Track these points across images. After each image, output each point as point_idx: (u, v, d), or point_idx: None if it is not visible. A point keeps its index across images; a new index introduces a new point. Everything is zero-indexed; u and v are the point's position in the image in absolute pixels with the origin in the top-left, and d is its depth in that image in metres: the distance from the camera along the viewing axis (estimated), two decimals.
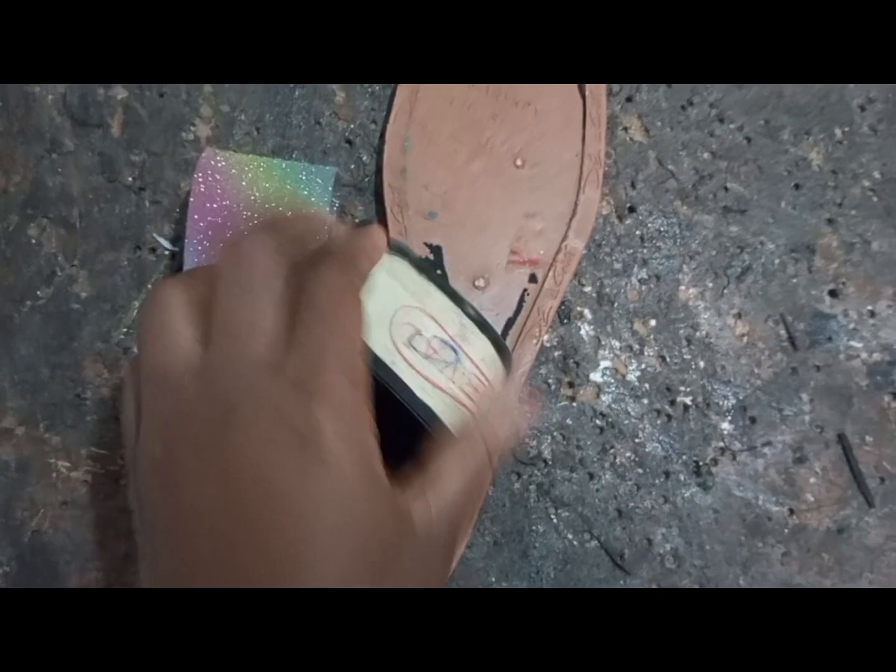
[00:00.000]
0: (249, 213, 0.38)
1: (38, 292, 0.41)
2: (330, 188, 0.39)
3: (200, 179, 0.38)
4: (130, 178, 0.42)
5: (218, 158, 0.39)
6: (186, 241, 0.38)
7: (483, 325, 0.28)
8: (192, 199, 0.38)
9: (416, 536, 0.23)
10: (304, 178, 0.39)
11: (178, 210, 0.42)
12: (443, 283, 0.28)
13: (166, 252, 0.41)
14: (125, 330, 0.40)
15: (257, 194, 0.38)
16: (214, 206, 0.38)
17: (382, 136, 0.42)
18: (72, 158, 0.42)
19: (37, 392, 0.40)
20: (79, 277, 0.41)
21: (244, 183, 0.39)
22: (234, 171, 0.39)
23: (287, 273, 0.23)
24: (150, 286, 0.41)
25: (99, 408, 0.40)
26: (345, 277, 0.24)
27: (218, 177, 0.38)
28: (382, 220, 0.41)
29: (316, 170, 0.39)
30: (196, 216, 0.38)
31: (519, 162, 0.42)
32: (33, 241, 0.41)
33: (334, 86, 0.44)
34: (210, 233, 0.38)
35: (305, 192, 0.39)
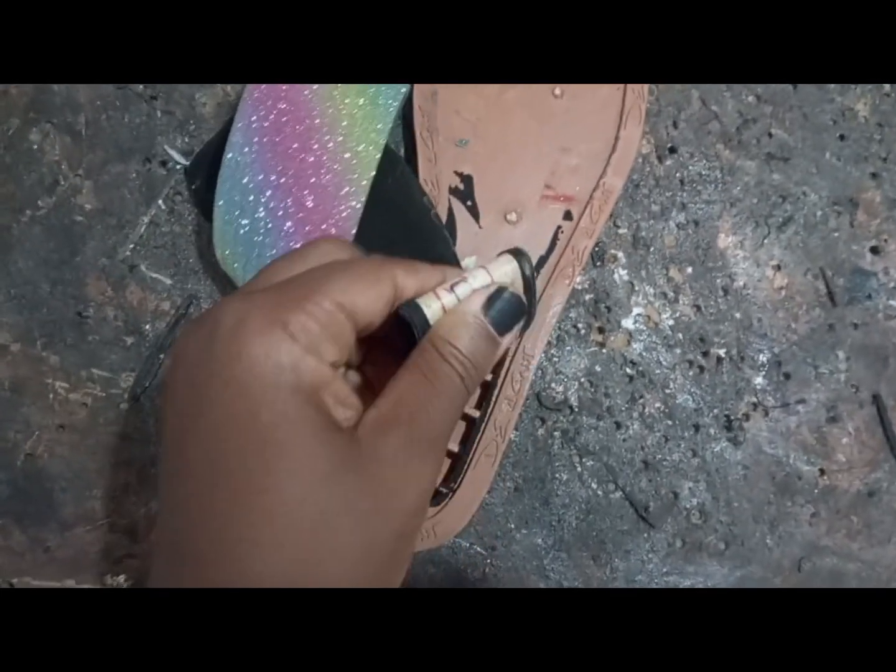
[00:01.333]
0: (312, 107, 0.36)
1: (39, 202, 0.38)
2: (398, 104, 0.37)
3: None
4: (142, 85, 0.39)
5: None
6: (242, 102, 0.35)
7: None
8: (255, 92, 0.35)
9: (359, 446, 0.21)
10: (370, 92, 0.37)
11: (191, 122, 0.39)
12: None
13: (178, 166, 0.39)
14: (132, 246, 0.38)
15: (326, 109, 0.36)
16: (282, 102, 0.36)
17: None
18: None
19: (35, 308, 0.37)
20: (83, 188, 0.38)
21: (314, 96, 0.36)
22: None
23: None
24: (160, 203, 0.38)
25: (101, 327, 0.37)
26: None
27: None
28: (412, 145, 0.39)
29: (387, 88, 0.37)
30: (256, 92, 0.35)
31: (558, 91, 0.40)
32: (35, 147, 0.38)
33: None
34: (271, 110, 0.35)
35: (376, 104, 0.36)
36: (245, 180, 0.34)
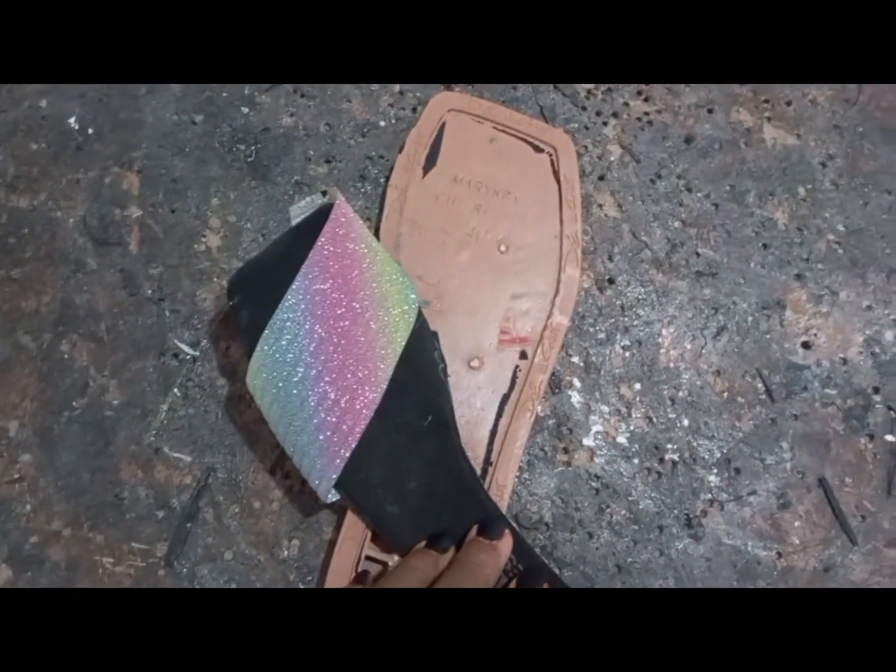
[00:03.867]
0: (364, 282, 0.40)
1: (74, 403, 0.45)
2: (415, 299, 0.41)
3: (336, 221, 0.40)
4: (150, 291, 0.46)
5: (350, 212, 0.41)
6: (304, 268, 0.39)
7: None
8: (324, 236, 0.40)
9: None
10: (397, 273, 0.41)
11: (195, 317, 0.46)
12: None
13: (188, 357, 0.45)
14: (154, 432, 0.44)
15: (371, 264, 0.41)
16: (340, 256, 0.40)
17: (377, 233, 0.46)
18: (96, 276, 0.46)
19: (80, 495, 0.44)
20: (110, 387, 0.45)
21: (365, 248, 0.41)
22: (360, 229, 0.41)
23: None
24: (175, 391, 0.45)
25: (136, 505, 0.43)
26: None
27: (350, 228, 0.41)
28: None
29: (402, 274, 0.41)
30: (321, 253, 0.39)
31: (503, 248, 0.46)
32: (66, 356, 0.45)
33: (333, 189, 0.48)
34: (329, 276, 0.39)
35: (400, 292, 0.41)
36: (294, 332, 0.38)
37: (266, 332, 0.38)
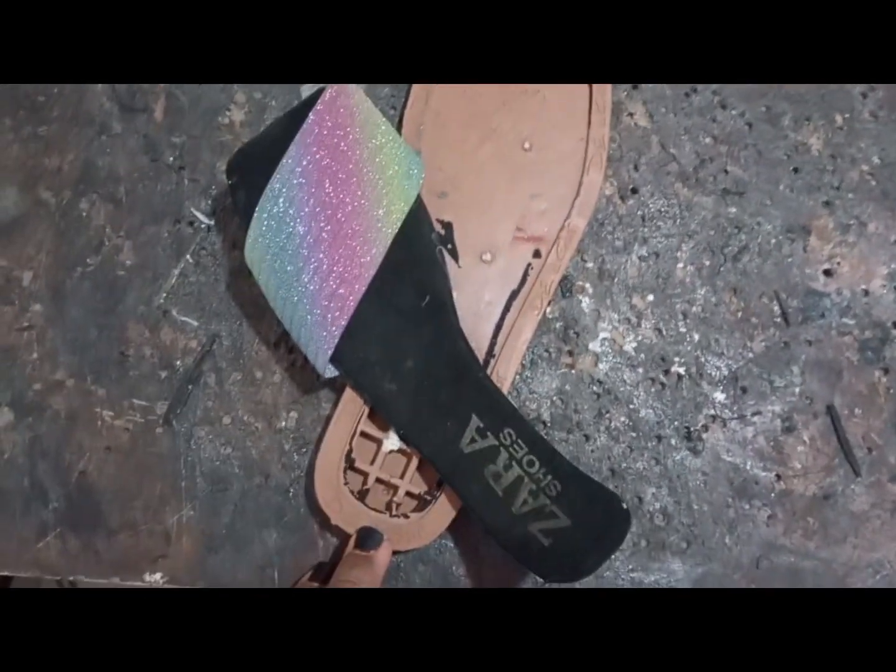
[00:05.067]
0: (362, 154, 0.40)
1: (88, 260, 0.45)
2: (418, 176, 0.41)
3: (333, 93, 0.39)
4: (171, 159, 0.46)
5: (351, 87, 0.40)
6: (297, 137, 0.39)
7: None
8: (319, 106, 0.39)
9: None
10: (401, 151, 0.41)
11: (213, 187, 0.46)
12: None
13: (203, 226, 0.45)
14: (164, 295, 0.45)
15: (370, 137, 0.40)
16: (336, 127, 0.39)
17: (401, 120, 0.45)
18: (119, 140, 0.47)
19: (86, 349, 0.44)
20: (124, 248, 0.45)
21: (364, 120, 0.40)
22: (360, 102, 0.40)
23: None
24: (188, 257, 0.45)
25: (140, 364, 0.44)
26: None
27: (348, 100, 0.40)
28: None
29: (409, 150, 0.41)
30: (317, 123, 0.39)
31: (527, 146, 0.45)
32: (84, 214, 0.46)
33: None
34: (323, 147, 0.39)
35: (402, 168, 0.40)
36: (288, 202, 0.38)
37: (260, 201, 0.38)
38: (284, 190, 0.38)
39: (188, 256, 0.45)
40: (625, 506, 0.37)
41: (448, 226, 0.44)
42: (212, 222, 0.45)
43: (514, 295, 0.44)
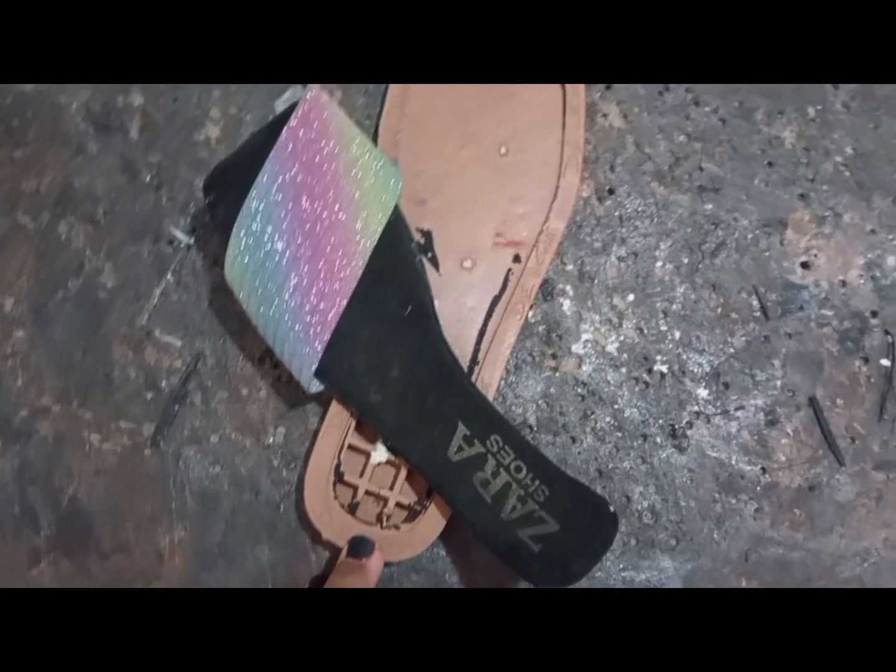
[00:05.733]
0: (338, 167, 0.40)
1: (69, 283, 0.45)
2: (395, 186, 0.41)
3: (307, 107, 0.39)
4: (149, 177, 0.46)
5: (325, 98, 0.40)
6: (272, 154, 0.39)
7: None
8: (293, 121, 0.39)
9: None
10: (378, 161, 0.41)
11: (192, 205, 0.46)
12: None
13: (182, 244, 0.45)
14: (147, 315, 0.45)
15: (346, 149, 0.40)
16: (311, 142, 0.39)
17: (377, 130, 0.45)
18: (96, 161, 0.47)
19: (70, 372, 0.44)
20: (104, 269, 0.45)
21: (339, 133, 0.40)
22: (335, 115, 0.40)
23: None
24: (169, 276, 0.45)
25: (125, 385, 0.44)
26: None
27: (323, 113, 0.40)
28: None
29: (386, 161, 0.41)
30: (292, 139, 0.39)
31: (504, 150, 0.45)
32: (63, 236, 0.46)
33: (332, 84, 0.47)
34: (299, 163, 0.39)
35: (379, 179, 0.41)
36: (266, 219, 0.38)
37: (238, 219, 0.38)
38: (261, 207, 0.38)
39: (169, 275, 0.45)
40: (612, 509, 0.37)
41: (428, 234, 0.44)
42: (191, 240, 0.45)
43: (496, 300, 0.44)
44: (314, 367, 0.39)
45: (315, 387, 0.40)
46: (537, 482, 0.38)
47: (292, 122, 0.39)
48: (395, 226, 0.41)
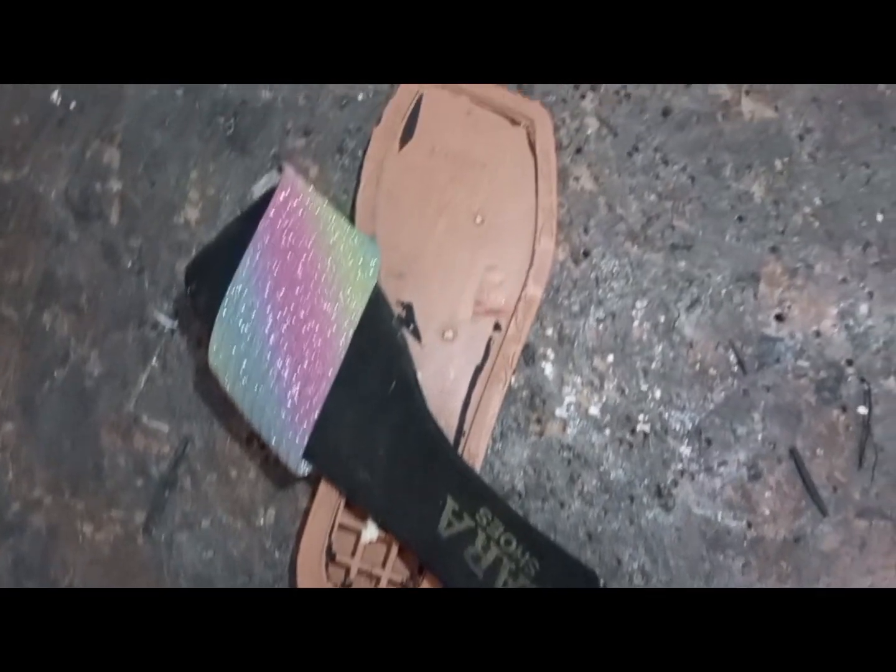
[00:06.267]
0: (316, 252, 0.41)
1: (56, 373, 0.46)
2: (375, 265, 0.42)
3: (284, 195, 0.41)
4: (130, 263, 0.47)
5: (300, 183, 0.41)
6: (252, 244, 0.40)
7: None
8: (270, 210, 0.40)
9: None
10: (355, 242, 0.42)
11: (174, 288, 0.46)
12: None
13: (166, 328, 0.46)
14: (134, 401, 0.45)
15: (323, 233, 0.41)
16: (288, 230, 0.40)
17: (353, 205, 0.46)
18: (77, 248, 0.47)
19: (61, 463, 0.45)
20: (90, 357, 0.46)
21: (315, 218, 0.41)
22: (311, 199, 0.42)
23: None
24: (154, 361, 0.46)
25: (116, 473, 0.44)
26: None
27: (298, 200, 0.41)
28: None
29: (363, 240, 0.42)
30: (270, 228, 0.40)
31: (478, 219, 0.46)
32: (48, 327, 0.46)
33: (308, 161, 0.48)
34: (277, 252, 0.40)
35: (357, 260, 0.42)
36: (248, 308, 0.39)
37: (221, 311, 0.39)
38: (242, 297, 0.39)
39: (154, 360, 0.46)
40: (602, 583, 0.38)
41: (408, 306, 0.45)
42: (175, 323, 0.46)
43: (478, 370, 0.44)
44: (302, 452, 0.39)
45: (303, 469, 0.40)
46: (528, 555, 0.39)
47: (269, 212, 0.40)
48: (376, 303, 0.42)
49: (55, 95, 0.50)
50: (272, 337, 0.39)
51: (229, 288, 0.39)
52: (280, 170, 0.43)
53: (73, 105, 0.49)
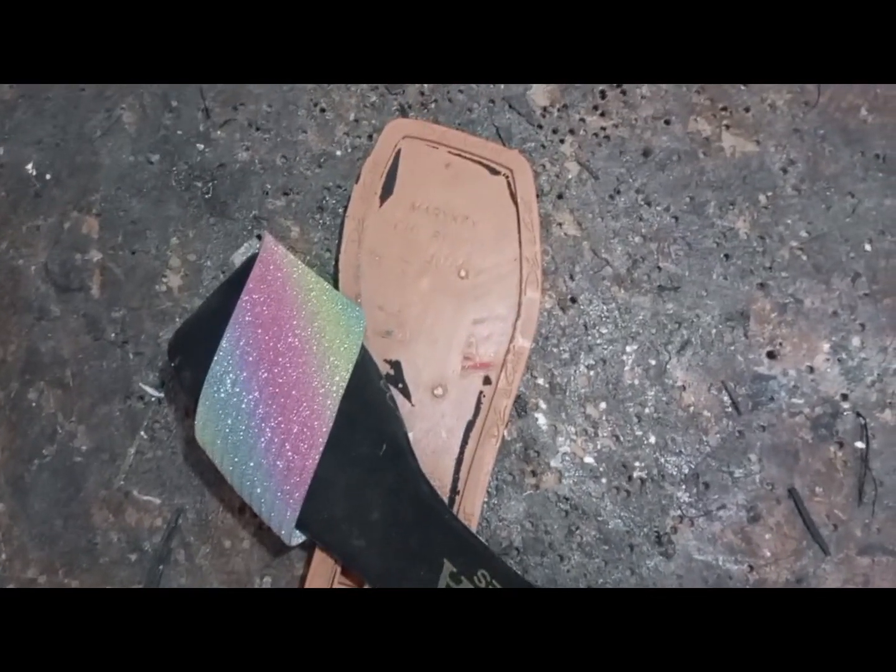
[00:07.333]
0: (299, 321, 0.40)
1: (44, 451, 0.45)
2: (359, 331, 0.41)
3: (262, 267, 0.40)
4: (114, 335, 0.46)
5: (279, 252, 0.41)
6: (233, 319, 0.39)
7: None
8: (250, 283, 0.40)
9: None
10: (339, 308, 0.41)
11: (159, 358, 0.46)
12: None
13: (153, 399, 0.46)
14: (124, 476, 0.45)
15: (305, 302, 0.41)
16: (270, 301, 0.40)
17: (336, 265, 0.46)
18: (59, 323, 0.47)
19: (53, 542, 0.44)
20: (78, 432, 0.45)
21: (297, 287, 0.41)
22: (291, 268, 0.41)
23: None
24: (142, 433, 0.45)
25: (109, 549, 0.44)
26: None
27: (279, 270, 0.41)
28: None
29: (347, 305, 0.42)
30: (250, 301, 0.40)
31: (463, 273, 0.46)
32: (34, 404, 0.46)
33: (288, 222, 0.48)
34: (259, 324, 0.40)
35: (341, 326, 0.41)
36: (232, 382, 0.39)
37: (205, 386, 0.38)
38: (227, 372, 0.39)
39: (142, 432, 0.45)
40: None
41: (396, 365, 0.45)
42: (161, 394, 0.46)
43: (470, 426, 0.44)
44: (294, 523, 0.39)
45: (296, 539, 0.40)
46: None
47: (250, 283, 0.39)
48: (362, 365, 0.42)
49: (30, 167, 0.49)
50: (258, 410, 0.39)
51: (212, 365, 0.39)
52: (259, 237, 0.42)
53: (48, 177, 0.49)
